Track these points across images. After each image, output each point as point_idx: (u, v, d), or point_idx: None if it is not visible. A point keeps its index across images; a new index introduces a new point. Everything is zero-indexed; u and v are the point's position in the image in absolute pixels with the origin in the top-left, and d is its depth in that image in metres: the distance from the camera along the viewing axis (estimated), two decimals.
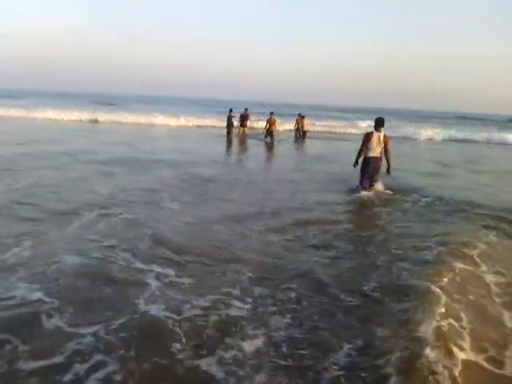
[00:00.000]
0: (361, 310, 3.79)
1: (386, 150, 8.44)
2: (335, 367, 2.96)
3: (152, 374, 2.79)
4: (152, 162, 11.22)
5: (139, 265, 4.53)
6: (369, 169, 8.46)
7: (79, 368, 2.80)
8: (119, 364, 2.85)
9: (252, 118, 22.15)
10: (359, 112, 63.56)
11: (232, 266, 4.63)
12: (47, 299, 3.70)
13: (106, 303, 3.70)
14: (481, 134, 28.32)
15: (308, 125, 22.30)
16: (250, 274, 4.41)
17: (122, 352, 2.98)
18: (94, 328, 3.26)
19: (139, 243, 5.15)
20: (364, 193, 8.44)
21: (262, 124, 21.17)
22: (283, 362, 2.99)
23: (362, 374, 2.87)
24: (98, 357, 2.91)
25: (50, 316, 3.43)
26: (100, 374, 2.75)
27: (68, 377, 2.73)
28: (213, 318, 3.53)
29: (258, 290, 4.07)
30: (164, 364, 2.90)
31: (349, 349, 3.17)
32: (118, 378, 2.73)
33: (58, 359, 2.89)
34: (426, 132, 27.55)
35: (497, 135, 27.97)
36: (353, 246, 5.59)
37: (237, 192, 8.45)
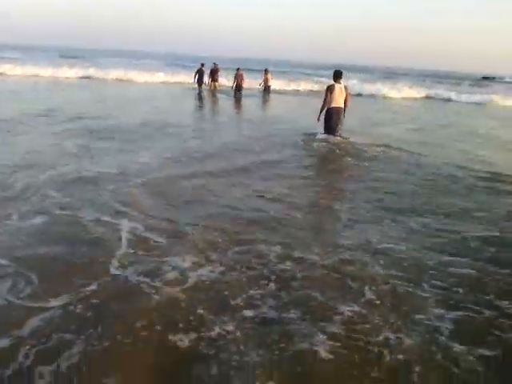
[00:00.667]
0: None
1: (346, 98, 8.60)
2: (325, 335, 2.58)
3: (125, 356, 2.30)
4: (125, 117, 10.47)
5: (109, 222, 4.04)
6: (332, 119, 8.62)
7: (33, 352, 2.26)
8: (84, 345, 2.33)
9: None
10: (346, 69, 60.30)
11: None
12: (5, 262, 3.18)
13: (75, 268, 3.19)
14: (450, 93, 26.34)
15: (272, 80, 21.40)
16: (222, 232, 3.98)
17: (90, 329, 2.47)
18: (60, 300, 2.74)
19: (110, 200, 4.65)
20: (327, 141, 8.46)
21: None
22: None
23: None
24: (58, 336, 2.39)
25: (9, 286, 2.89)
26: (58, 359, 2.21)
27: (14, 366, 2.17)
28: (192, 282, 3.07)
29: (235, 251, 3.63)
30: (138, 344, 2.41)
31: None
32: (81, 364, 2.20)
33: (7, 341, 2.34)
34: (400, 91, 25.76)
35: (468, 95, 25.82)
36: (314, 199, 5.33)
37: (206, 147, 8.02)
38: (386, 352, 2.42)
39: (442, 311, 2.85)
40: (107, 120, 10.06)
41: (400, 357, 2.39)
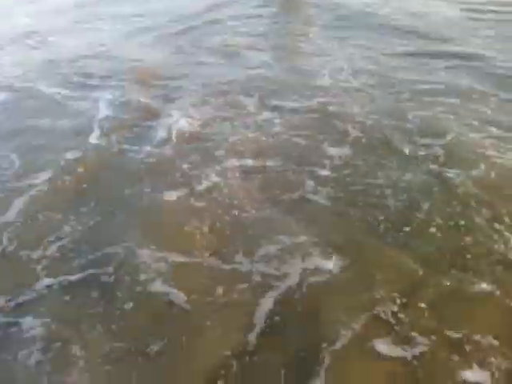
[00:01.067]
0: None
1: None
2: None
3: (117, 225, 2.19)
4: None
5: (81, 93, 3.67)
6: None
7: (18, 235, 2.15)
8: (74, 223, 2.19)
9: None
10: None
11: None
12: None
13: (56, 141, 2.95)
14: None
15: None
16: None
17: (79, 204, 2.33)
18: (44, 175, 2.56)
19: (79, 71, 4.17)
20: None
21: None
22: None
23: None
24: (45, 216, 2.25)
25: None
26: (45, 242, 2.09)
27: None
28: (175, 140, 2.87)
29: (213, 105, 3.33)
30: (123, 199, 2.33)
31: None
32: (70, 244, 2.08)
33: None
34: None
35: None
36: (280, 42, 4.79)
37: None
38: (388, 192, 2.29)
39: (429, 141, 2.69)
40: None
41: (403, 197, 2.25)
